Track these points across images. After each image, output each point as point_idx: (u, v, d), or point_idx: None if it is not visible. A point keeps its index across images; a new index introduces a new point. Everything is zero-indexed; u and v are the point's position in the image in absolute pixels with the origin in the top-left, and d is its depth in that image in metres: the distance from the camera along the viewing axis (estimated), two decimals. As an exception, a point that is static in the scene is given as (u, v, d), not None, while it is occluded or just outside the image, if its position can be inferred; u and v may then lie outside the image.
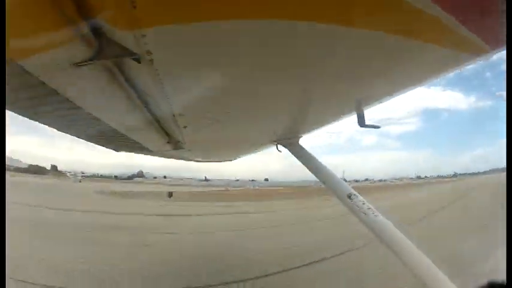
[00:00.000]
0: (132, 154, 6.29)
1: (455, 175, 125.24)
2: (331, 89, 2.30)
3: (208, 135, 3.76)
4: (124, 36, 1.38)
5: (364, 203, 3.25)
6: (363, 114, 2.75)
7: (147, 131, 3.35)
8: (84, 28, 1.29)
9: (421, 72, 2.15)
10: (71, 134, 3.54)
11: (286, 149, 4.12)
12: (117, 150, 5.36)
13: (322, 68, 1.88)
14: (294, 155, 3.96)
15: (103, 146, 4.69)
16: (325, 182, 3.67)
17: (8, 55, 1.40)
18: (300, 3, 1.26)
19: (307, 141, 3.99)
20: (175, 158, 7.14)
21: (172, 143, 4.15)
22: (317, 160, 3.83)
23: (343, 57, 1.76)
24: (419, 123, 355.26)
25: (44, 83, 1.80)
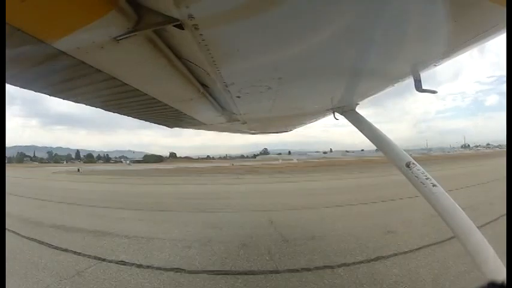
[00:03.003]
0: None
1: None
2: (387, 53, 2.26)
3: (263, 104, 3.74)
4: (163, 2, 1.34)
5: (423, 173, 3.24)
6: (420, 78, 2.68)
7: (199, 104, 3.40)
8: None
9: (478, 28, 1.96)
10: (120, 114, 3.67)
11: (343, 117, 4.15)
12: (170, 126, 5.51)
13: (376, 30, 1.81)
14: (352, 123, 3.97)
15: (155, 123, 4.83)
16: (383, 150, 3.68)
17: (41, 36, 1.42)
18: None
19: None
20: (230, 132, 7.27)
21: (226, 115, 4.20)
22: (375, 127, 3.81)
23: (398, 19, 1.70)
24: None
25: (83, 63, 1.83)
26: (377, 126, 3.74)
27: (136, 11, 1.39)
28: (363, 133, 3.82)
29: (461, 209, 3.03)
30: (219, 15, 1.46)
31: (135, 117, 4.17)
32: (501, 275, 2.44)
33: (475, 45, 2.18)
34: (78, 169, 65.55)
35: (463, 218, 2.97)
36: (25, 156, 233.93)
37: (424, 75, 2.72)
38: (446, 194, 3.12)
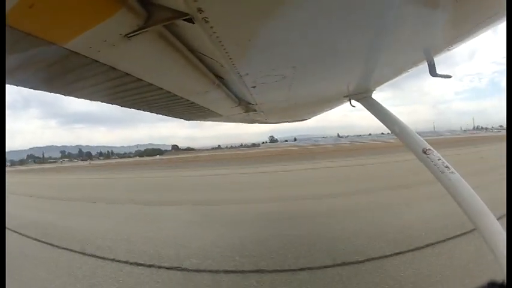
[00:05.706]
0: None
1: None
2: (400, 38, 2.26)
3: (278, 93, 3.77)
4: None
5: (439, 159, 3.28)
6: (434, 62, 2.70)
7: (215, 96, 3.43)
8: None
9: (489, 11, 1.92)
10: (136, 109, 3.72)
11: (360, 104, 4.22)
12: (187, 119, 5.56)
13: (388, 15, 1.77)
14: (368, 110, 4.05)
15: (172, 116, 4.88)
16: (399, 136, 3.73)
17: (52, 39, 1.46)
18: None
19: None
20: (246, 122, 7.30)
21: (243, 106, 4.24)
22: (391, 114, 3.88)
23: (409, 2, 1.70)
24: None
25: (96, 61, 1.87)
26: (395, 109, 3.75)
27: (145, 7, 1.41)
28: (379, 119, 3.87)
29: (479, 198, 3.00)
30: (228, 7, 1.46)
31: (152, 112, 4.24)
32: None
33: (488, 27, 2.15)
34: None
35: (481, 208, 2.94)
36: (31, 158, 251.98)
37: (439, 56, 2.71)
38: (464, 182, 3.13)
